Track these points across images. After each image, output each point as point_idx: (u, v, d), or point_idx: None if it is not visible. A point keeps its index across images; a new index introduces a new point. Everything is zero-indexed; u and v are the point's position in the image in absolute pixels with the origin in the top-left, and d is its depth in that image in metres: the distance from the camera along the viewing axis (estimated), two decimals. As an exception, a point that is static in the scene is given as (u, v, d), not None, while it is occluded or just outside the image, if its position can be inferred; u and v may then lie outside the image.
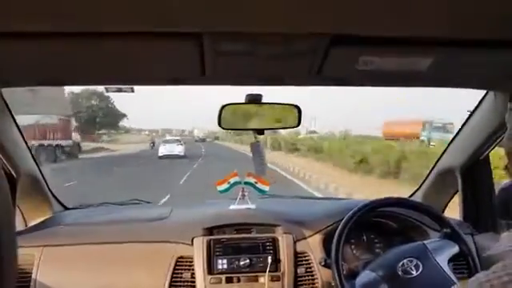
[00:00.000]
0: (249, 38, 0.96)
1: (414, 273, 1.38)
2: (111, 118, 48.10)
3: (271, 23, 0.88)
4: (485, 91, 1.52)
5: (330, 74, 1.19)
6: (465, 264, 1.48)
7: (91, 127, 44.44)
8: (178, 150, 23.37)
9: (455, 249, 1.46)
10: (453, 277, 1.38)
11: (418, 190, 2.06)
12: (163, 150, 23.24)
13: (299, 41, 0.99)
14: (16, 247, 0.63)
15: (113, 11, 0.82)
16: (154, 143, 33.95)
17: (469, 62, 1.13)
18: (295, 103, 1.53)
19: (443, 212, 1.92)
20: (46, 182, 1.82)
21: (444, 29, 0.91)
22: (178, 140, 26.11)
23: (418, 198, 2.00)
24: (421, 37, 0.96)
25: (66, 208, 1.98)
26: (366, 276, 1.43)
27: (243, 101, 1.49)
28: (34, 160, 1.72)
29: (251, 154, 1.71)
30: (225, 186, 1.82)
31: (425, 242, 1.49)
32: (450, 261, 1.43)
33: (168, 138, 31.08)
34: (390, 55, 1.07)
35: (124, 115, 50.71)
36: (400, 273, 1.38)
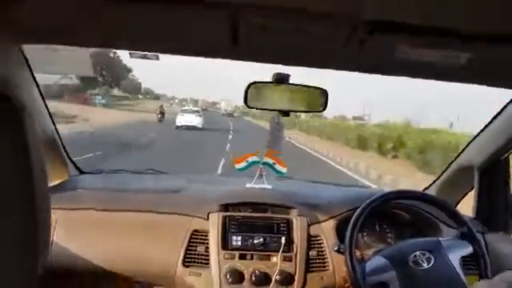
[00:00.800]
0: (287, 14, 0.93)
1: (425, 265, 1.40)
2: (111, 72, 41.13)
3: (310, 1, 0.85)
4: None
5: (364, 61, 1.17)
6: (475, 263, 1.49)
7: (83, 84, 35.26)
8: (197, 121, 23.22)
9: (469, 249, 1.47)
10: (462, 275, 1.39)
11: (433, 183, 2.05)
12: (181, 119, 23.17)
13: (337, 24, 0.96)
14: (49, 208, 0.65)
15: None
16: (163, 114, 27.41)
17: (508, 61, 1.10)
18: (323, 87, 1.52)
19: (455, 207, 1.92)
20: (62, 143, 1.81)
21: (486, 23, 0.89)
22: (196, 111, 25.70)
23: (432, 191, 2.00)
24: (463, 29, 0.93)
25: (82, 172, 1.99)
26: (376, 260, 1.45)
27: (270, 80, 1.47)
28: (53, 121, 1.70)
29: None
30: (243, 164, 1.82)
31: (440, 238, 1.50)
32: (461, 259, 1.44)
33: (186, 107, 29.65)
34: (429, 46, 1.04)
35: (128, 70, 43.41)
36: (411, 263, 1.40)
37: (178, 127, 22.04)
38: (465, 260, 1.47)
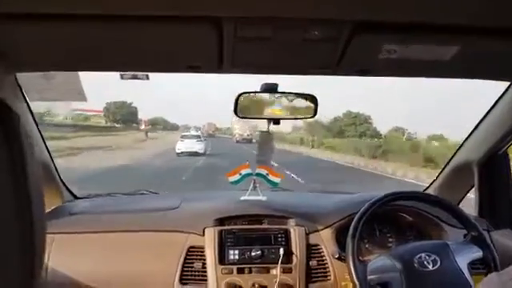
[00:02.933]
0: (269, 22, 0.94)
1: (430, 267, 1.35)
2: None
3: (293, 8, 0.85)
4: (508, 84, 1.48)
5: (351, 63, 1.16)
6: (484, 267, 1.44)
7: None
8: (199, 147, 21.30)
9: (479, 254, 1.42)
10: (470, 279, 1.34)
11: (432, 183, 2.03)
12: (181, 146, 21.24)
13: (322, 27, 0.96)
14: (45, 232, 0.63)
15: None
16: None
17: (495, 52, 1.09)
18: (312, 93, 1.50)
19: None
20: (57, 170, 1.82)
21: (471, 16, 0.88)
22: (197, 136, 23.83)
23: (431, 191, 1.97)
24: (447, 24, 0.93)
25: (76, 197, 1.99)
26: (380, 260, 1.41)
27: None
28: (47, 148, 1.72)
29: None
30: (236, 177, 1.79)
31: (448, 242, 1.45)
32: (469, 263, 1.39)
33: (186, 133, 26.59)
34: (415, 43, 1.03)
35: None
36: (416, 264, 1.36)
37: (178, 154, 20.45)
38: (473, 263, 1.43)
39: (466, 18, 0.89)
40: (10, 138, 0.53)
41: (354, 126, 36.93)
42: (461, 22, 0.92)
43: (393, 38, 1.01)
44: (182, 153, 20.66)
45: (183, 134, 25.73)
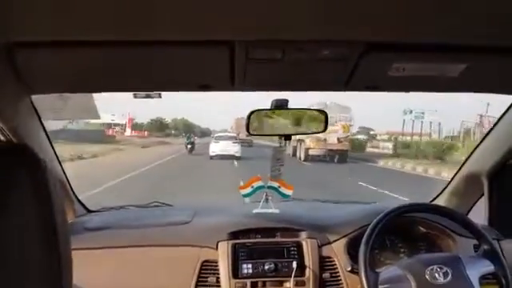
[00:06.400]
0: (280, 45, 0.97)
1: (442, 280, 1.36)
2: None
3: (304, 31, 0.88)
4: None
5: (361, 80, 1.19)
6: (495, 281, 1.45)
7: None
8: (234, 149, 19.21)
9: (490, 268, 1.43)
10: None
11: (441, 193, 2.03)
12: (215, 148, 19.31)
13: (332, 48, 0.99)
14: (70, 246, 0.67)
15: (146, 20, 0.82)
16: None
17: (502, 68, 1.12)
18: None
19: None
20: (70, 184, 1.84)
21: (478, 36, 0.91)
22: (233, 137, 21.10)
23: (440, 201, 1.98)
24: (455, 43, 0.96)
25: (89, 211, 2.00)
26: (392, 271, 1.43)
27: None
28: (60, 164, 1.74)
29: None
30: (248, 190, 1.82)
31: (460, 255, 1.46)
32: (481, 277, 1.40)
33: (221, 134, 23.69)
34: (423, 61, 1.07)
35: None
36: (427, 276, 1.37)
37: (211, 157, 18.83)
38: (485, 276, 1.43)
39: (474, 37, 0.92)
40: (39, 191, 0.55)
41: None
42: (468, 42, 0.95)
43: (402, 56, 1.04)
44: (216, 155, 18.84)
45: (217, 135, 23.22)
